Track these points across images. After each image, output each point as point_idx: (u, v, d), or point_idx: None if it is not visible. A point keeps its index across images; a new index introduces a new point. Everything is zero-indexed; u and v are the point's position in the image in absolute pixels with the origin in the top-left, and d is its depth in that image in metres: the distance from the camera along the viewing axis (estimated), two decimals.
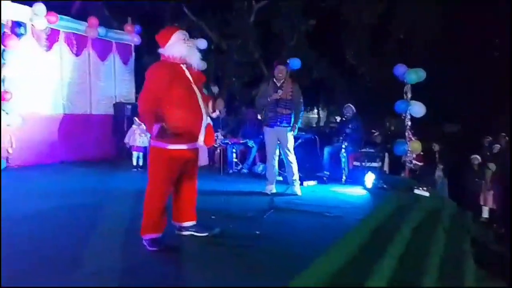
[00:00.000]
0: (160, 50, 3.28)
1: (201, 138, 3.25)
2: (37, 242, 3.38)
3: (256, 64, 13.45)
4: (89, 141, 8.76)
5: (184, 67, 3.26)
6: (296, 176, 5.63)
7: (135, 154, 7.55)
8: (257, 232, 3.67)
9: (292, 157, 5.56)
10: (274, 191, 5.59)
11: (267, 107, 5.46)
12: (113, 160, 8.42)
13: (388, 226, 4.25)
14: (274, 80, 5.52)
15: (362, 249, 3.33)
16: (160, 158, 3.19)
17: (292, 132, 5.54)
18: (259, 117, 7.78)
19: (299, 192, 5.57)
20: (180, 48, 3.20)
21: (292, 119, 5.52)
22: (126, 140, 7.65)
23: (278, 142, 5.57)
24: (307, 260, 2.74)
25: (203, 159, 8.42)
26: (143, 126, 7.23)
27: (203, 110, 3.28)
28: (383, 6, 12.34)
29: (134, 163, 7.54)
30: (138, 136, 7.43)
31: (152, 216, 3.22)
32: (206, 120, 3.30)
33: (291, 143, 5.55)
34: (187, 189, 3.46)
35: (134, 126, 7.59)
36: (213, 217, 4.09)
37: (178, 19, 12.94)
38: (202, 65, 3.49)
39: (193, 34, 11.09)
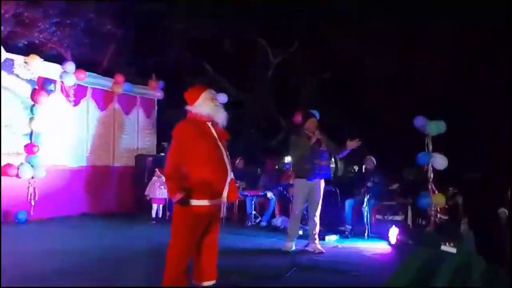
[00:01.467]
0: (188, 107, 3.37)
1: (224, 194, 3.26)
2: None
3: (273, 116, 13.67)
4: (110, 193, 8.87)
5: (209, 124, 3.33)
6: (317, 231, 5.50)
7: (154, 206, 7.57)
8: None
9: (319, 212, 5.46)
10: (293, 248, 5.42)
11: (303, 158, 5.29)
12: (133, 212, 8.44)
13: (415, 286, 4.06)
14: (305, 131, 5.43)
15: None
16: (184, 214, 3.18)
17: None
18: (276, 167, 7.78)
19: (321, 248, 5.42)
20: (208, 107, 3.30)
21: (328, 170, 5.47)
22: (146, 192, 7.69)
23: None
24: None
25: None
26: (163, 178, 7.31)
27: (228, 166, 3.32)
28: (401, 58, 12.56)
29: (154, 215, 7.53)
30: (158, 188, 7.48)
31: (174, 274, 3.16)
32: (230, 176, 3.32)
33: (321, 197, 5.44)
34: (209, 246, 3.40)
35: (154, 178, 7.66)
36: (233, 274, 3.99)
37: (199, 74, 13.43)
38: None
39: (214, 88, 11.47)
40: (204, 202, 3.18)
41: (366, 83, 13.26)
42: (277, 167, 10.89)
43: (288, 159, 14.42)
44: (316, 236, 5.47)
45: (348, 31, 12.61)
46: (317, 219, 5.46)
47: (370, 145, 13.04)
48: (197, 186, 3.15)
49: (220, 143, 3.33)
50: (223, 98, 9.36)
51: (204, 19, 12.73)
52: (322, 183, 5.46)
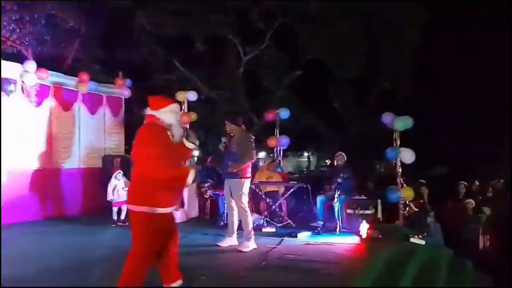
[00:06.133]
0: (149, 111, 3.36)
1: (181, 199, 3.30)
2: None
3: (245, 114, 13.60)
4: (76, 196, 8.58)
5: (169, 133, 3.34)
6: (247, 229, 5.45)
7: (114, 209, 7.26)
8: None
9: (242, 209, 5.45)
10: (228, 244, 5.49)
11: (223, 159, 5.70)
12: (100, 215, 8.15)
13: (384, 283, 4.10)
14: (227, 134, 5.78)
15: None
16: (150, 225, 3.11)
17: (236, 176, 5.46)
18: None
19: (246, 248, 5.33)
20: (173, 119, 3.34)
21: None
22: (109, 198, 7.33)
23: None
24: None
25: (193, 211, 8.28)
26: (123, 181, 7.11)
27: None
28: (367, 57, 12.79)
29: (115, 217, 7.25)
30: (118, 191, 7.20)
31: (135, 282, 3.09)
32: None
33: (239, 193, 5.44)
34: (172, 250, 3.38)
35: (113, 180, 7.29)
36: (202, 277, 3.91)
37: (168, 71, 13.21)
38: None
39: (184, 86, 11.32)
40: (170, 209, 3.22)
41: (335, 82, 13.47)
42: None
43: (261, 155, 14.40)
44: (246, 233, 5.50)
45: (317, 31, 12.75)
46: (242, 217, 5.59)
47: (341, 141, 13.28)
48: (163, 192, 3.12)
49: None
50: (193, 96, 9.23)
51: (173, 16, 12.53)
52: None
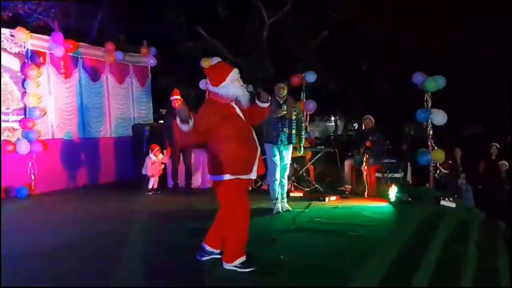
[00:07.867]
0: (211, 87, 3.27)
1: (255, 168, 3.30)
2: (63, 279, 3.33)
3: (272, 79, 13.42)
4: (109, 164, 8.88)
5: (233, 104, 3.29)
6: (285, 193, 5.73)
7: (152, 179, 7.49)
8: (281, 257, 3.59)
9: (286, 174, 5.71)
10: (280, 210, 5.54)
11: (270, 124, 5.43)
12: (132, 182, 8.45)
13: (414, 246, 4.09)
14: (276, 98, 5.52)
15: (390, 273, 3.20)
16: (237, 189, 3.23)
17: (298, 151, 5.71)
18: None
19: (289, 207, 5.59)
20: (235, 88, 3.23)
21: (294, 138, 5.57)
22: (143, 172, 7.51)
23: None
24: None
25: None
26: (159, 158, 7.29)
27: (257, 143, 3.35)
28: (395, 17, 12.19)
29: (150, 186, 7.47)
30: (156, 166, 7.37)
31: (241, 241, 3.30)
32: (259, 152, 3.35)
33: (289, 161, 5.68)
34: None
35: (151, 156, 7.42)
36: None
37: (193, 39, 13.10)
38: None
39: (208, 53, 11.21)
40: (246, 176, 3.27)
41: (363, 42, 12.95)
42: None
43: None
44: (284, 195, 5.67)
45: None
46: (286, 182, 5.72)
47: (369, 104, 12.94)
48: (238, 162, 3.20)
49: (246, 122, 3.33)
50: (216, 61, 9.16)
51: None
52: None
